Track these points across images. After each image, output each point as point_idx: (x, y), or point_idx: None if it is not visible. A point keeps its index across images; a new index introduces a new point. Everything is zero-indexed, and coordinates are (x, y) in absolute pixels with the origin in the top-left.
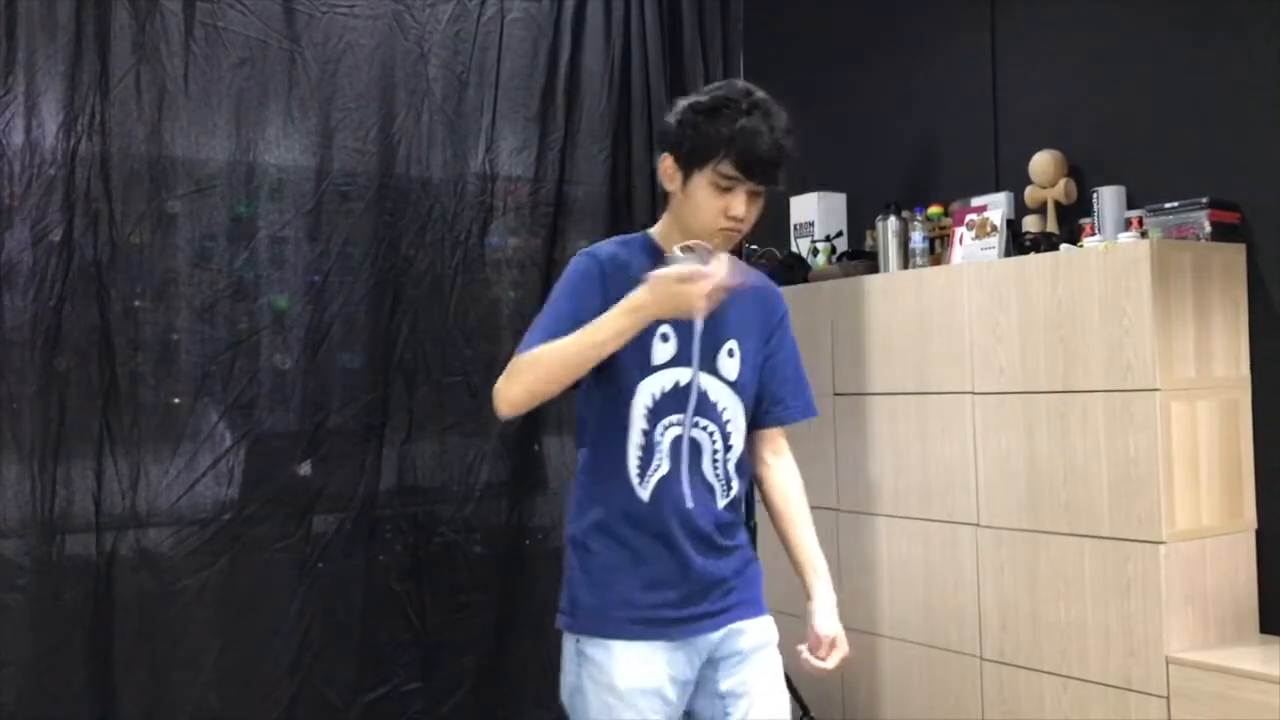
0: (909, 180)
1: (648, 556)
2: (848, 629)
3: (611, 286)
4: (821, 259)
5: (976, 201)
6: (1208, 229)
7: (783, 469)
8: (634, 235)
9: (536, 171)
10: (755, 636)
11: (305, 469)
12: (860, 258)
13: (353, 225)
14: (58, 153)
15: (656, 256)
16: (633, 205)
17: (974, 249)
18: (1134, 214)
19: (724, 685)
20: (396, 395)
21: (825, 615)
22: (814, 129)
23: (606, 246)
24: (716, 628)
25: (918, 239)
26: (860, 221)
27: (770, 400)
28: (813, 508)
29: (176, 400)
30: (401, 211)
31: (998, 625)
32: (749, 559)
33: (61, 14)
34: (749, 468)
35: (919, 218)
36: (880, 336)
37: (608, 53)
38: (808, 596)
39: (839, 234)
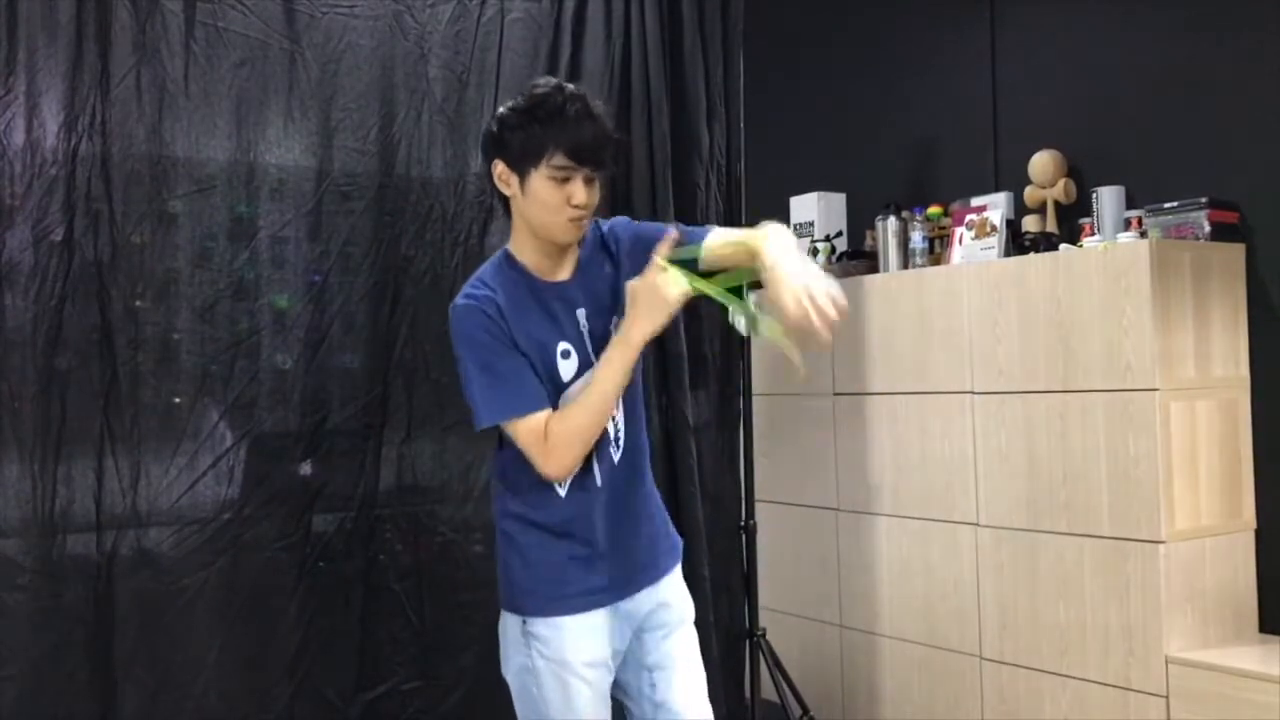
0: (909, 180)
1: (575, 541)
2: (848, 629)
3: (511, 319)
4: (821, 259)
5: (976, 201)
6: (1207, 229)
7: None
8: (495, 261)
9: None
10: (680, 611)
11: (305, 469)
12: (860, 258)
13: (353, 225)
14: (58, 153)
15: (528, 273)
16: (632, 204)
17: (974, 249)
18: (1133, 214)
19: (650, 658)
20: (396, 395)
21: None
22: (814, 129)
23: (480, 291)
24: (641, 587)
25: (917, 239)
26: (860, 221)
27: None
28: (813, 507)
29: (177, 400)
30: (401, 211)
31: (997, 625)
32: (658, 523)
33: (62, 14)
34: (642, 414)
35: (919, 218)
36: (880, 336)
37: (608, 53)
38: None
39: (839, 234)
